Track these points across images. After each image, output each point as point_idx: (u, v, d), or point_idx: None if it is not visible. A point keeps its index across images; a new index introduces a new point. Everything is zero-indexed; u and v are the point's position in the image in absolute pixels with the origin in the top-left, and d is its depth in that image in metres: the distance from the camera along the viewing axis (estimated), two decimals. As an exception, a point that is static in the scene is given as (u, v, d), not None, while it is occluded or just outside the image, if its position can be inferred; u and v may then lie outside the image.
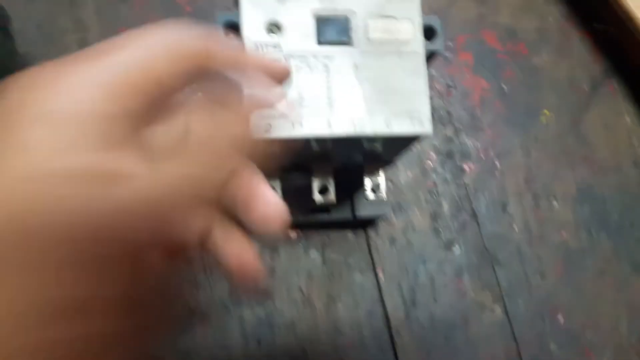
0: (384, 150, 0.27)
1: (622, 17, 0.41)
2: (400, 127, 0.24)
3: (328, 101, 0.24)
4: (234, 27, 0.25)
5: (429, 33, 0.26)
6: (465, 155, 0.41)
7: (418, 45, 0.25)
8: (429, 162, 0.40)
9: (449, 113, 0.41)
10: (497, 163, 0.41)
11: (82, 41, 0.38)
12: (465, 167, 0.41)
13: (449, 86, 0.42)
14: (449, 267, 0.38)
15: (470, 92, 0.42)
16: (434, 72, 0.42)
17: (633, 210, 0.42)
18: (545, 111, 0.43)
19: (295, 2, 0.25)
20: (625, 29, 0.42)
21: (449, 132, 0.41)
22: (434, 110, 0.41)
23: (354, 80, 0.25)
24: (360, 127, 0.24)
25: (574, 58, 0.44)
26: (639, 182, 0.43)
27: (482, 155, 0.41)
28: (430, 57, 0.26)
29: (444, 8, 0.43)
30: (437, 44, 0.26)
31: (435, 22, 0.26)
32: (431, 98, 0.41)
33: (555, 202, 0.41)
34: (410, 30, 0.25)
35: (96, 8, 0.39)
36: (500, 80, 0.43)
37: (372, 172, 0.31)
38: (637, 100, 0.44)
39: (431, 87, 0.42)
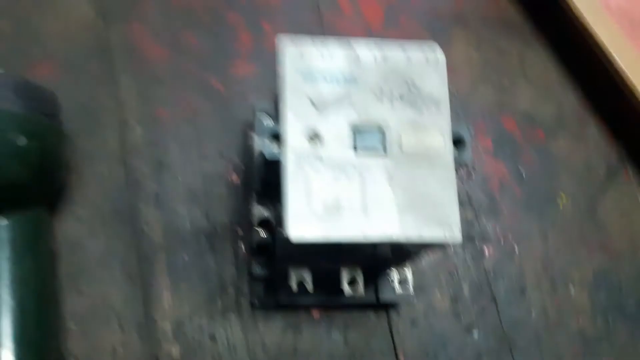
0: (413, 250, 0.29)
1: (635, 104, 0.43)
2: (430, 235, 0.26)
3: (363, 208, 0.26)
4: (276, 136, 0.27)
5: (458, 143, 0.28)
6: (485, 239, 0.42)
7: (448, 156, 0.27)
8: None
9: (469, 196, 0.43)
10: (515, 247, 0.42)
11: (123, 120, 0.40)
12: (485, 250, 0.42)
13: (469, 170, 0.43)
14: (468, 351, 0.39)
15: (490, 176, 0.44)
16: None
17: (649, 297, 0.43)
18: (563, 196, 0.44)
19: (334, 114, 0.27)
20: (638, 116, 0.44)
21: (470, 215, 0.42)
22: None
23: (388, 188, 0.26)
24: (392, 233, 0.25)
25: (590, 144, 0.46)
26: (654, 269, 0.43)
27: (501, 239, 0.42)
28: (458, 164, 0.28)
29: (465, 94, 0.45)
30: (466, 154, 0.27)
31: (465, 133, 0.28)
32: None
33: (572, 288, 0.42)
34: (440, 141, 0.27)
35: (137, 89, 0.41)
36: (518, 165, 0.44)
37: (400, 265, 0.32)
38: (651, 188, 0.45)
39: (452, 170, 0.43)
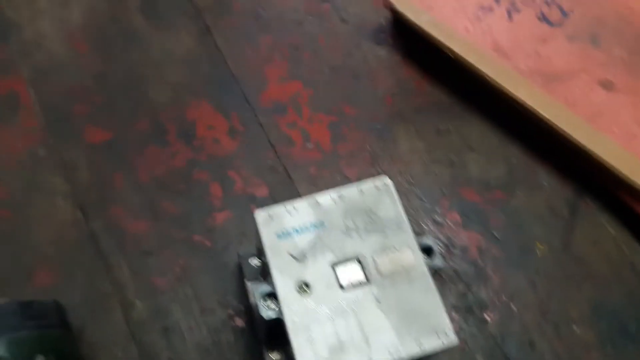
0: None
1: (570, 142, 0.48)
2: (430, 345, 0.28)
3: (364, 338, 0.28)
4: (268, 295, 0.30)
5: (428, 252, 0.31)
6: (483, 306, 0.45)
7: (422, 267, 0.30)
8: (454, 322, 0.44)
9: (455, 271, 0.46)
10: (512, 304, 0.45)
11: (124, 300, 0.43)
12: (486, 316, 0.44)
13: (447, 247, 0.47)
14: (501, 420, 0.41)
15: (467, 246, 0.47)
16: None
17: (646, 312, 0.45)
18: (537, 244, 0.47)
19: (313, 260, 0.30)
20: (586, 159, 0.48)
21: (461, 288, 0.45)
22: (441, 271, 0.46)
23: (380, 313, 0.29)
24: (396, 355, 0.28)
25: (546, 188, 0.50)
26: (641, 285, 0.46)
27: (497, 302, 0.45)
28: (434, 272, 0.31)
29: (420, 178, 0.49)
30: (437, 260, 0.31)
31: (430, 242, 0.31)
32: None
33: (574, 326, 0.44)
34: (411, 256, 0.30)
35: (129, 266, 0.44)
36: (489, 229, 0.48)
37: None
38: (613, 211, 0.49)
39: (432, 251, 0.47)
